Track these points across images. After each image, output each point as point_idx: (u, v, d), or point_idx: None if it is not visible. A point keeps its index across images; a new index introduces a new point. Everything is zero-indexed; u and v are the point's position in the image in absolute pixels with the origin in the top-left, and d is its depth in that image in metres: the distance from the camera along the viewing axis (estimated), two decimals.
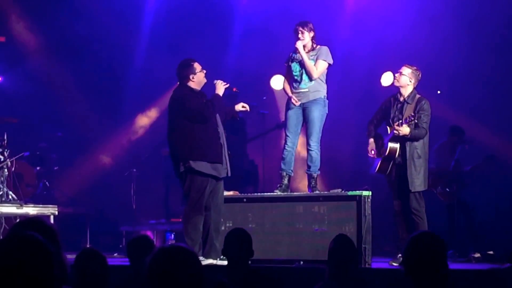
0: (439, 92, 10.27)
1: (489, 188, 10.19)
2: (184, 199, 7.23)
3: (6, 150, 9.04)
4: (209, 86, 7.41)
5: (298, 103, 7.84)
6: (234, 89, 7.64)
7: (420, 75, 7.51)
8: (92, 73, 12.05)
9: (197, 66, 7.26)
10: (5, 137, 9.14)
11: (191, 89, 7.21)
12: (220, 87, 7.37)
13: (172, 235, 9.19)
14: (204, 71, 7.31)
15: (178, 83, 7.37)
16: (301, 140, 8.22)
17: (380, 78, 10.49)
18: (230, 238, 5.16)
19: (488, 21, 10.29)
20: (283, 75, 8.25)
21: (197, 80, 7.24)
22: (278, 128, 10.22)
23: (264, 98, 11.10)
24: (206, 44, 11.38)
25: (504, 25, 10.30)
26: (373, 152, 7.72)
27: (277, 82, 11.37)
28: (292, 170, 8.01)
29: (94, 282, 3.98)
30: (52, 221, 8.61)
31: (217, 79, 7.46)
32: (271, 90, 11.55)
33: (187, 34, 11.60)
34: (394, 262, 7.23)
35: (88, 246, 4.39)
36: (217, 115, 7.30)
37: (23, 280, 2.28)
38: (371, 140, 7.76)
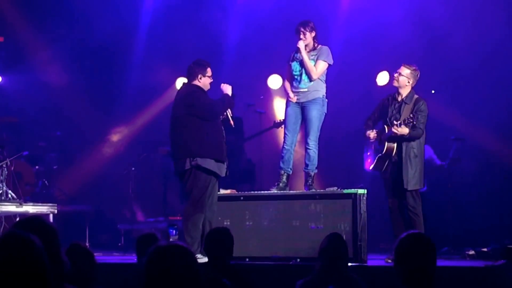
0: (433, 91, 10.31)
1: (485, 185, 10.24)
2: (185, 197, 7.24)
3: (5, 149, 9.10)
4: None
5: (295, 100, 7.90)
6: (231, 122, 7.50)
7: (418, 75, 7.54)
8: (91, 72, 12.09)
9: (209, 71, 7.30)
10: (4, 136, 9.18)
11: (199, 87, 7.25)
12: (228, 88, 7.41)
13: (174, 231, 9.24)
14: (211, 80, 7.35)
15: (187, 80, 7.42)
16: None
17: (376, 78, 10.54)
18: (211, 237, 5.24)
19: (487, 20, 10.30)
20: (284, 74, 8.28)
21: (203, 83, 7.25)
22: (275, 127, 10.23)
23: (262, 97, 11.17)
24: (203, 44, 11.43)
25: (503, 25, 10.29)
26: (372, 135, 7.64)
27: (275, 81, 11.45)
28: (291, 169, 8.02)
29: (82, 278, 3.98)
30: (51, 219, 8.66)
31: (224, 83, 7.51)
32: (268, 89, 11.61)
33: (185, 32, 11.63)
34: (390, 259, 7.28)
35: (74, 242, 4.33)
36: None
37: (15, 278, 2.30)
38: (368, 131, 7.76)
